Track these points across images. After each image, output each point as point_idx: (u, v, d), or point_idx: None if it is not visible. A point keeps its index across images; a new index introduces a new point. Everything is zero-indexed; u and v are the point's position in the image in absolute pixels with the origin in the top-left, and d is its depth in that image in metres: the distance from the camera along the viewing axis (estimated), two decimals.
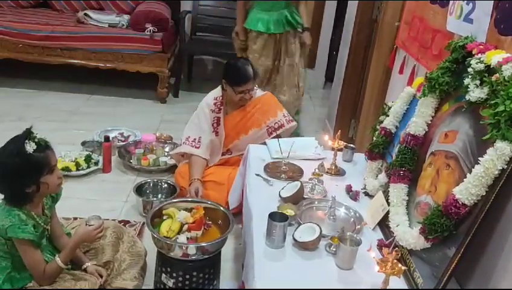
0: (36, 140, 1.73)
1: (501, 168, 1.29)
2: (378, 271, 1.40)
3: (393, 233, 1.64)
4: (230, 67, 2.84)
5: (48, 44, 4.22)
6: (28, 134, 1.73)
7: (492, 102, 1.34)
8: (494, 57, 1.43)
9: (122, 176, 3.19)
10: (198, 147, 2.82)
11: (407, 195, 1.72)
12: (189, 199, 2.25)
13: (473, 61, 1.50)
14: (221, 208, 2.11)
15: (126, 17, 4.46)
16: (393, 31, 2.89)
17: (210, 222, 2.05)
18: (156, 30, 4.24)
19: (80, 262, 1.95)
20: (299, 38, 3.59)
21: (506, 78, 1.33)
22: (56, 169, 1.81)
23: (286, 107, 3.38)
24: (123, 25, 4.39)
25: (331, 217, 1.83)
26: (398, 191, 1.73)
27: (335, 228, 1.77)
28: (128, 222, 2.63)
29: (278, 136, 2.76)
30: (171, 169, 3.19)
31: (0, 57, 4.28)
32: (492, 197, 1.30)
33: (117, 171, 3.24)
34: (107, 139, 3.21)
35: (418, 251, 1.51)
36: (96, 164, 3.19)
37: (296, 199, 1.91)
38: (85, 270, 1.93)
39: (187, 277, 1.93)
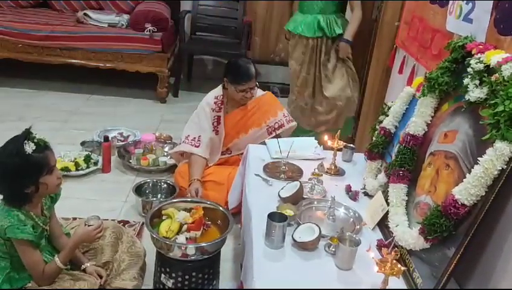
0: (35, 140, 1.73)
1: (500, 168, 1.28)
2: (378, 271, 1.40)
3: (392, 233, 1.64)
4: (232, 66, 2.84)
5: (47, 44, 4.22)
6: (27, 134, 1.73)
7: (492, 102, 1.34)
8: (494, 57, 1.43)
9: (122, 176, 3.19)
10: (198, 146, 2.82)
11: (406, 195, 1.72)
12: (189, 199, 2.25)
13: (472, 61, 1.50)
14: (221, 208, 2.10)
15: (126, 16, 4.46)
16: (393, 31, 2.89)
17: (209, 222, 2.05)
18: (156, 30, 4.24)
19: (79, 262, 1.94)
20: (336, 48, 3.41)
21: (505, 78, 1.33)
22: (55, 169, 1.81)
23: (319, 117, 3.39)
24: (123, 24, 4.39)
25: (331, 217, 1.83)
26: (398, 191, 1.73)
27: (334, 228, 1.76)
28: (127, 222, 2.63)
29: (278, 136, 2.76)
30: (171, 169, 3.19)
31: (0, 56, 4.27)
32: (492, 198, 1.30)
33: (116, 171, 3.24)
34: (106, 139, 3.21)
35: (418, 251, 1.51)
36: (95, 164, 3.19)
37: (296, 199, 1.91)
38: (84, 270, 1.92)
39: (186, 277, 1.93)
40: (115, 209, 2.78)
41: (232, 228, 1.98)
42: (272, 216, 1.67)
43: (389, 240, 1.62)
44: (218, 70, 5.03)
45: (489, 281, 1.41)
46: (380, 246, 1.65)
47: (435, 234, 1.41)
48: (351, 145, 2.43)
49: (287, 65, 5.40)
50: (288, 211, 1.78)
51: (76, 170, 3.08)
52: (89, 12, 4.44)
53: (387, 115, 2.08)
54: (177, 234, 1.95)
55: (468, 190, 1.33)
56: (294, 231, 1.69)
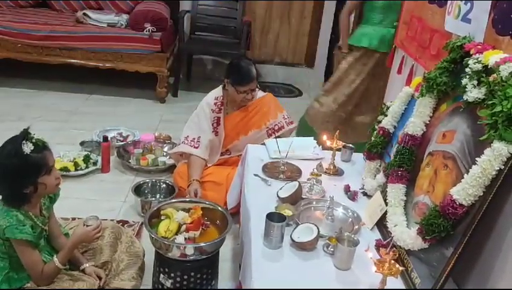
0: (34, 140, 1.72)
1: (498, 168, 1.29)
2: (376, 271, 1.40)
3: (391, 233, 1.64)
4: (233, 67, 2.84)
5: (47, 44, 4.22)
6: (25, 134, 1.72)
7: (490, 102, 1.34)
8: (492, 57, 1.43)
9: (121, 176, 3.19)
10: (197, 147, 2.82)
11: (405, 195, 1.73)
12: (187, 199, 2.25)
13: (470, 61, 1.50)
14: (219, 208, 2.10)
15: (125, 16, 4.46)
16: None
17: (208, 222, 2.05)
18: (155, 30, 4.24)
19: (78, 263, 1.94)
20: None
21: (503, 78, 1.33)
22: (54, 169, 1.80)
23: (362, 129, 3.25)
24: (122, 24, 4.39)
25: (329, 218, 1.83)
26: (396, 191, 1.73)
27: (333, 228, 1.76)
28: (126, 222, 2.63)
29: (277, 138, 2.76)
30: (170, 169, 3.19)
31: None
32: (490, 198, 1.30)
33: (116, 171, 3.24)
34: (105, 139, 3.21)
35: (416, 251, 1.51)
36: (94, 164, 3.19)
37: (294, 199, 1.91)
38: (83, 271, 1.92)
39: (185, 277, 1.93)
40: (114, 209, 2.78)
41: (231, 228, 1.99)
42: (270, 216, 1.67)
43: (388, 240, 1.62)
44: (218, 70, 5.05)
45: (488, 281, 1.41)
46: (378, 246, 1.66)
47: (433, 234, 1.42)
48: (350, 145, 2.43)
49: (286, 65, 5.47)
50: (287, 211, 1.78)
51: (76, 170, 3.08)
52: (88, 12, 4.44)
53: (386, 115, 2.09)
54: (176, 234, 1.95)
55: (466, 190, 1.34)
56: (293, 231, 1.69)
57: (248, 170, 2.25)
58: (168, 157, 3.29)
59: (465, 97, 1.48)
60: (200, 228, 1.98)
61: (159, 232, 1.94)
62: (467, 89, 1.48)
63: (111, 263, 1.98)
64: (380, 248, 1.58)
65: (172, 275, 1.93)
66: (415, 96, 1.90)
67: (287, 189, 1.96)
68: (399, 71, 2.57)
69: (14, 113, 3.89)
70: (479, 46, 1.54)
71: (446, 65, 1.67)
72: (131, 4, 4.72)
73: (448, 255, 1.38)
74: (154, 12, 4.30)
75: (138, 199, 2.75)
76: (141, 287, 2.04)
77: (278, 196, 1.95)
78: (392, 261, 1.41)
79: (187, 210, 2.04)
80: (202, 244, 1.90)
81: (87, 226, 1.89)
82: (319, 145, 2.47)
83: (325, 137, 2.33)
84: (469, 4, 1.76)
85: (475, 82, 1.46)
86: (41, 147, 1.74)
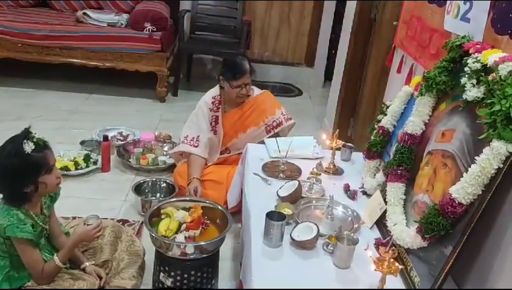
0: (34, 140, 1.73)
1: (497, 167, 1.29)
2: (375, 270, 1.40)
3: (390, 232, 1.64)
4: (226, 63, 2.86)
5: (47, 43, 4.22)
6: (26, 134, 1.73)
7: (489, 101, 1.34)
8: (491, 57, 1.43)
9: (121, 175, 3.20)
10: (196, 146, 2.82)
11: (404, 194, 1.73)
12: (188, 198, 2.26)
13: (469, 61, 1.50)
14: (219, 207, 2.11)
15: (125, 16, 4.46)
16: (391, 30, 2.89)
17: (208, 221, 2.06)
18: (155, 29, 4.24)
19: (78, 262, 1.95)
20: None
21: (502, 77, 1.33)
22: (54, 169, 1.81)
23: None
24: (122, 24, 4.39)
25: (329, 216, 1.83)
26: (396, 190, 1.74)
27: (333, 227, 1.77)
28: (127, 221, 2.64)
29: (277, 135, 2.77)
30: (170, 168, 3.19)
31: None
32: (489, 197, 1.31)
33: (116, 170, 3.24)
34: (105, 138, 3.21)
35: (415, 250, 1.51)
36: (95, 163, 3.20)
37: (294, 198, 1.92)
38: (84, 270, 1.93)
39: (185, 276, 1.93)
40: (115, 208, 2.79)
41: (231, 226, 1.99)
42: (270, 215, 1.68)
43: (387, 239, 1.63)
44: (218, 70, 5.00)
45: (487, 280, 1.42)
46: (377, 245, 1.66)
47: (432, 233, 1.42)
48: (350, 144, 2.43)
49: (286, 64, 5.47)
50: (287, 210, 1.79)
51: (76, 169, 3.09)
52: (88, 11, 4.44)
53: (386, 114, 2.09)
54: (176, 233, 1.96)
55: (465, 188, 1.34)
56: (293, 229, 1.70)
57: (248, 169, 2.26)
58: (168, 156, 3.30)
59: (464, 96, 1.49)
60: (200, 227, 1.99)
61: (159, 231, 1.95)
62: (466, 88, 1.48)
63: (111, 261, 1.99)
64: (380, 247, 1.58)
65: (172, 273, 1.94)
66: (415, 96, 1.90)
67: (287, 188, 1.97)
68: (398, 70, 2.58)
69: (14, 112, 3.90)
70: (478, 46, 1.55)
71: (445, 64, 1.67)
72: (131, 4, 4.72)
73: (447, 254, 1.38)
74: (154, 11, 4.31)
75: (138, 198, 2.75)
76: (141, 286, 2.04)
77: (277, 195, 1.96)
78: (392, 260, 1.41)
79: (187, 209, 2.05)
80: (202, 243, 1.91)
81: (87, 225, 1.90)
82: (319, 145, 2.47)
83: (324, 136, 2.33)
84: (468, 4, 1.76)
85: (474, 81, 1.47)
86: (42, 146, 1.75)
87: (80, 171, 3.09)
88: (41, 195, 1.83)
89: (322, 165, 2.25)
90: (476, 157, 1.34)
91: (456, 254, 1.35)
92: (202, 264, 1.96)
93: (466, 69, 1.51)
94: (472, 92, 1.45)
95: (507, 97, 1.28)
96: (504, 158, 1.28)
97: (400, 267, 1.42)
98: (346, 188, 2.07)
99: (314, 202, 1.95)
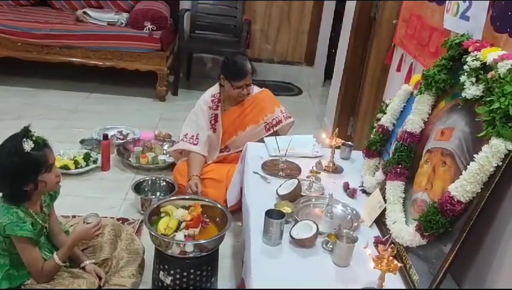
0: (34, 138, 1.73)
1: (496, 165, 1.29)
2: (374, 268, 1.40)
3: (389, 230, 1.64)
4: (227, 63, 2.84)
5: (47, 42, 4.22)
6: (25, 132, 1.73)
7: (488, 99, 1.35)
8: (490, 55, 1.43)
9: (121, 174, 3.20)
10: (196, 144, 2.82)
11: (403, 192, 1.73)
12: (187, 197, 2.26)
13: (468, 59, 1.51)
14: (219, 206, 2.11)
15: (125, 15, 4.46)
16: (391, 29, 2.90)
17: (208, 220, 2.06)
18: (155, 28, 4.24)
19: (78, 260, 1.95)
20: None
21: (501, 75, 1.34)
22: (54, 167, 1.81)
23: None
24: (122, 23, 4.39)
25: (328, 215, 1.83)
26: (395, 188, 1.74)
27: (332, 226, 1.77)
28: (126, 219, 2.64)
29: (276, 133, 2.77)
30: (170, 167, 3.19)
31: None
32: (488, 194, 1.31)
33: (116, 169, 3.24)
34: (105, 137, 3.21)
35: (415, 248, 1.52)
36: (95, 162, 3.20)
37: (294, 196, 1.92)
38: (83, 268, 1.93)
39: (185, 274, 1.93)
40: (114, 207, 2.79)
41: (231, 225, 1.99)
42: (269, 213, 1.68)
43: (386, 237, 1.63)
44: (218, 69, 4.95)
45: (486, 278, 1.42)
46: (377, 243, 1.66)
47: (431, 231, 1.42)
48: (349, 143, 2.44)
49: (286, 63, 5.47)
50: (286, 208, 1.79)
51: (76, 168, 3.09)
52: (88, 10, 4.44)
53: (385, 113, 2.09)
54: (176, 231, 1.96)
55: (464, 186, 1.34)
56: (292, 228, 1.70)
57: (248, 167, 2.26)
58: (168, 155, 3.30)
59: (463, 94, 1.49)
60: (200, 225, 1.99)
61: (158, 230, 1.95)
62: (465, 86, 1.48)
63: (111, 260, 1.98)
64: (379, 245, 1.58)
65: (172, 272, 1.94)
66: (414, 94, 1.90)
67: (286, 186, 1.97)
68: (398, 69, 2.58)
69: (14, 111, 3.90)
70: (477, 44, 1.55)
71: (444, 62, 1.67)
72: (131, 3, 4.72)
73: (446, 252, 1.38)
74: (154, 10, 4.30)
75: (138, 197, 2.75)
76: (141, 285, 2.04)
77: (277, 193, 1.96)
78: (391, 258, 1.41)
79: (187, 207, 2.05)
80: (202, 241, 1.91)
81: (87, 223, 1.90)
82: (319, 143, 2.47)
83: (324, 135, 2.34)
84: (467, 2, 1.76)
85: (473, 79, 1.47)
86: (42, 144, 1.75)
87: (80, 170, 3.09)
88: (41, 193, 1.83)
89: (322, 163, 2.25)
90: (474, 155, 1.34)
91: (455, 251, 1.35)
92: (202, 262, 1.96)
93: (465, 67, 1.51)
94: (471, 90, 1.45)
95: (506, 95, 1.28)
96: (503, 156, 1.28)
97: (399, 265, 1.42)
98: (346, 187, 2.07)
99: (313, 200, 1.96)
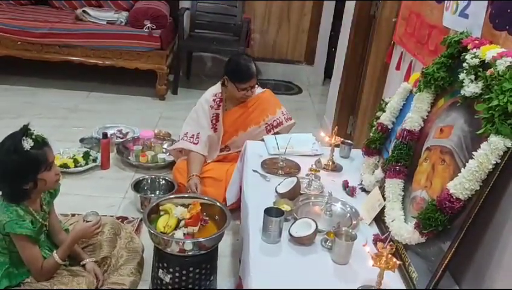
0: (33, 137, 1.73)
1: (495, 162, 1.29)
2: (373, 266, 1.40)
3: (388, 228, 1.64)
4: (233, 64, 2.83)
5: (46, 41, 4.22)
6: (25, 131, 1.73)
7: (487, 97, 1.34)
8: (489, 52, 1.43)
9: (121, 172, 3.20)
10: (196, 143, 2.82)
11: (403, 190, 1.73)
12: (186, 195, 2.26)
13: (468, 56, 1.50)
14: (218, 204, 2.11)
15: (124, 14, 4.46)
16: (390, 27, 2.90)
17: (207, 218, 2.06)
18: (155, 27, 4.24)
19: (79, 258, 1.95)
20: None
21: (500, 72, 1.33)
22: (54, 165, 1.81)
23: None
24: (121, 22, 4.39)
25: (328, 213, 1.83)
26: (394, 186, 1.74)
27: (331, 224, 1.77)
28: (126, 218, 2.64)
29: (276, 134, 2.76)
30: (170, 166, 3.19)
31: None
32: (486, 192, 1.31)
33: (115, 167, 3.24)
34: (105, 136, 3.21)
35: (414, 246, 1.52)
36: (94, 160, 3.20)
37: (293, 194, 1.92)
38: (84, 266, 1.93)
39: (184, 272, 1.93)
40: (114, 205, 2.79)
41: (230, 223, 1.99)
42: (268, 211, 1.68)
43: (385, 235, 1.63)
44: (218, 68, 5.04)
45: (485, 276, 1.42)
46: (376, 241, 1.66)
47: (430, 228, 1.42)
48: (349, 141, 2.43)
49: (286, 62, 5.47)
50: (285, 206, 1.79)
51: (75, 166, 3.09)
52: (87, 9, 4.44)
53: (385, 111, 2.09)
54: (175, 229, 1.96)
55: (462, 184, 1.34)
56: (291, 226, 1.70)
57: (247, 165, 2.26)
58: (167, 154, 3.30)
59: (462, 92, 1.49)
60: (199, 223, 1.99)
61: (157, 228, 1.95)
62: (464, 84, 1.48)
63: (110, 258, 1.99)
64: (378, 243, 1.58)
65: (171, 270, 1.94)
66: (413, 92, 1.90)
67: (286, 184, 1.97)
68: (397, 67, 2.58)
69: (14, 110, 3.90)
70: (477, 41, 1.55)
71: (444, 60, 1.67)
72: (131, 2, 4.71)
73: (445, 250, 1.38)
74: (154, 9, 4.30)
75: (137, 195, 2.75)
76: (140, 283, 2.04)
77: (276, 191, 1.96)
78: (389, 256, 1.41)
79: (186, 206, 2.05)
80: (201, 239, 1.91)
81: (86, 222, 1.90)
82: (318, 142, 2.47)
83: (323, 133, 2.33)
84: (466, 0, 1.76)
85: (472, 77, 1.46)
86: (41, 143, 1.75)
87: (80, 169, 3.09)
88: (40, 192, 1.83)
89: (321, 161, 2.25)
90: (473, 153, 1.34)
91: (454, 249, 1.35)
92: (201, 260, 1.96)
93: (464, 64, 1.51)
94: (470, 87, 1.45)
95: (505, 92, 1.28)
96: (502, 153, 1.28)
97: (398, 263, 1.42)
98: (345, 185, 2.07)
99: (312, 198, 1.96)
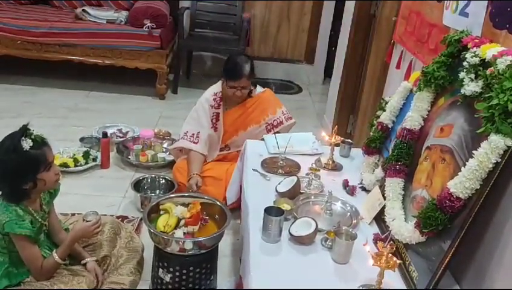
0: (32, 137, 1.72)
1: (495, 161, 1.29)
2: (373, 265, 1.40)
3: (389, 227, 1.64)
4: (227, 61, 2.85)
5: (46, 40, 4.21)
6: (24, 131, 1.72)
7: (487, 95, 1.34)
8: (489, 51, 1.43)
9: (121, 172, 3.20)
10: (196, 143, 2.82)
11: (403, 189, 1.73)
12: (186, 194, 2.25)
13: (468, 55, 1.50)
14: (218, 203, 2.11)
15: (124, 13, 4.46)
16: (390, 26, 2.90)
17: (207, 217, 2.05)
18: (155, 26, 4.24)
19: (79, 257, 1.95)
20: None
21: (500, 71, 1.33)
22: (53, 165, 1.81)
23: None
24: (121, 21, 4.38)
25: (328, 212, 1.83)
26: (394, 185, 1.74)
27: (331, 223, 1.77)
28: (126, 217, 2.64)
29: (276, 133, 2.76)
30: (169, 165, 3.19)
31: None
32: (487, 191, 1.30)
33: (115, 167, 3.24)
34: (105, 135, 3.21)
35: (414, 245, 1.51)
36: (94, 160, 3.20)
37: (293, 193, 1.92)
38: (84, 265, 1.93)
39: (184, 271, 1.93)
40: (114, 204, 2.79)
41: (230, 222, 1.99)
42: (268, 210, 1.68)
43: (386, 234, 1.63)
44: (217, 67, 5.02)
45: (486, 275, 1.41)
46: (376, 240, 1.66)
47: (431, 228, 1.42)
48: (349, 140, 2.43)
49: (286, 61, 5.46)
50: (285, 206, 1.79)
51: (75, 166, 3.09)
52: (87, 8, 4.43)
53: (385, 110, 2.08)
54: (175, 228, 1.96)
55: (463, 183, 1.34)
56: (291, 225, 1.70)
57: (247, 165, 2.26)
58: (167, 153, 3.30)
59: (462, 91, 1.49)
60: (199, 222, 1.99)
61: (157, 227, 1.95)
62: (464, 83, 1.48)
63: (110, 258, 1.98)
64: (378, 242, 1.58)
65: (171, 269, 1.94)
66: (414, 91, 1.90)
67: (286, 184, 1.96)
68: (398, 66, 2.57)
69: (14, 110, 3.89)
70: (477, 40, 1.55)
71: (444, 59, 1.67)
72: (130, 1, 4.71)
73: (445, 249, 1.38)
74: (154, 9, 4.30)
75: (137, 195, 2.75)
76: (140, 282, 2.04)
77: (276, 190, 1.96)
78: (390, 255, 1.41)
79: (186, 205, 2.05)
80: (201, 238, 1.91)
81: (86, 221, 1.90)
82: (318, 141, 2.47)
83: (323, 132, 2.33)
84: None
85: (472, 76, 1.46)
86: (40, 143, 1.75)
87: (79, 168, 3.09)
88: (40, 191, 1.83)
89: (321, 161, 2.25)
90: (474, 152, 1.34)
91: (454, 248, 1.35)
92: (201, 260, 1.96)
93: (464, 63, 1.50)
94: (470, 86, 1.45)
95: (505, 91, 1.28)
96: (502, 152, 1.28)
97: (398, 262, 1.41)
98: (345, 184, 2.07)
99: (312, 197, 1.95)
